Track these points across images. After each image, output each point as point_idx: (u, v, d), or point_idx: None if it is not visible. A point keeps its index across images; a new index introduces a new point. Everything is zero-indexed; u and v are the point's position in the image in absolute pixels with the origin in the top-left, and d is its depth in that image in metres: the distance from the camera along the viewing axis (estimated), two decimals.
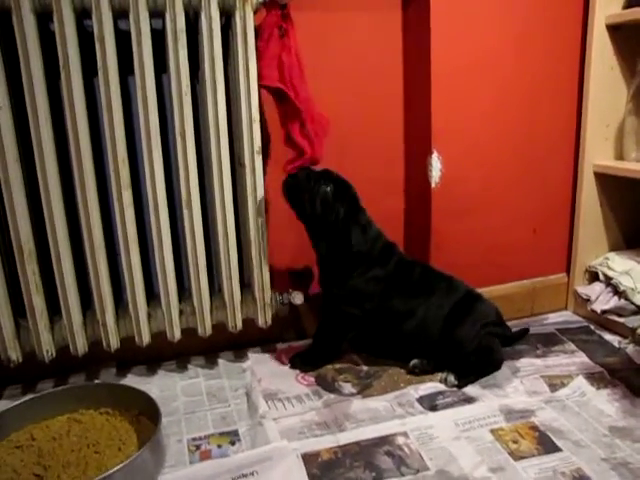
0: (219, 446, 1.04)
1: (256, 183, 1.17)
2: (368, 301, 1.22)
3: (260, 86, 1.15)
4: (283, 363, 1.31)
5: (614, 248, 1.48)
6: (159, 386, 1.23)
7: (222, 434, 1.07)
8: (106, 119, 1.07)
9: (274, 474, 0.95)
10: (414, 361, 1.25)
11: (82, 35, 1.05)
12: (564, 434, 1.03)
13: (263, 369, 1.28)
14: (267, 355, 1.35)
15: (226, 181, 1.15)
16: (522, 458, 0.98)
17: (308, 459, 0.99)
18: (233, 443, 1.04)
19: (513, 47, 1.33)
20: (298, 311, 1.41)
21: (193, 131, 1.12)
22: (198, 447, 1.04)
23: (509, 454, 0.99)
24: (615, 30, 1.33)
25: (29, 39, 1.00)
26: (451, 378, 1.20)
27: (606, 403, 1.11)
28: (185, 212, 1.16)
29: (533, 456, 0.98)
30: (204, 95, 1.12)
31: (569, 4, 1.34)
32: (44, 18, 1.02)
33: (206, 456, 1.01)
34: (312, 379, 1.24)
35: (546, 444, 1.01)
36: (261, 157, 1.16)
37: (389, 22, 1.33)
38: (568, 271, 1.51)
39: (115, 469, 0.86)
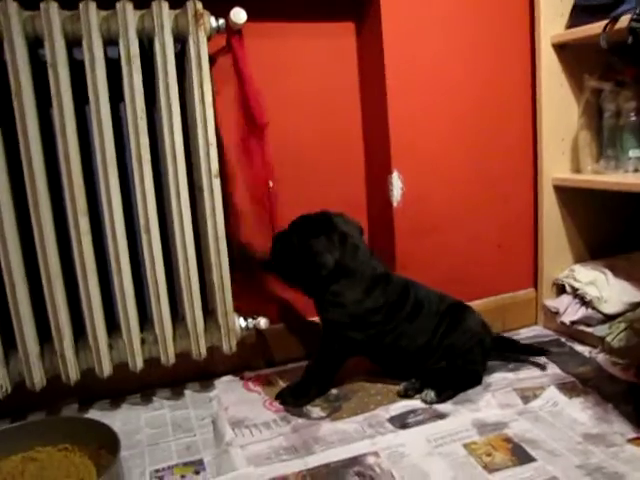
0: (182, 476, 0.99)
1: (215, 207, 1.16)
2: (372, 324, 1.19)
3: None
4: (250, 390, 1.27)
5: (578, 260, 1.49)
6: (122, 419, 1.19)
7: (186, 464, 1.03)
8: (61, 145, 1.07)
9: None
10: (404, 384, 1.21)
11: (38, 64, 1.06)
12: (538, 444, 1.01)
13: (230, 397, 1.25)
14: (234, 384, 1.31)
15: (184, 205, 1.14)
16: (496, 470, 0.95)
17: None
18: (197, 472, 1.00)
19: (465, 67, 1.37)
20: (265, 338, 1.38)
21: (150, 156, 1.12)
22: (161, 478, 0.99)
23: (483, 467, 0.96)
24: (561, 49, 1.38)
25: None
26: (431, 394, 1.17)
27: (579, 412, 1.09)
28: (144, 237, 1.14)
29: (507, 467, 0.96)
30: (160, 120, 1.13)
31: (516, 25, 1.39)
32: None
33: None
34: (280, 405, 1.20)
35: (520, 455, 0.98)
36: (219, 180, 1.16)
37: (344, 47, 1.36)
38: (536, 286, 1.52)
39: None
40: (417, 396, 1.19)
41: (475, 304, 1.42)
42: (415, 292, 1.23)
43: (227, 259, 1.18)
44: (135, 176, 1.12)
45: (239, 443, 1.06)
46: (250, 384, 1.30)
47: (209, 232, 1.17)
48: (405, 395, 1.20)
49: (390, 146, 1.32)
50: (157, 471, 1.01)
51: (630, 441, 0.99)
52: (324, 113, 1.36)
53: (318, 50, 1.34)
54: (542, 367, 1.28)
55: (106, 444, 1.01)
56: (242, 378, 1.33)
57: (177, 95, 1.11)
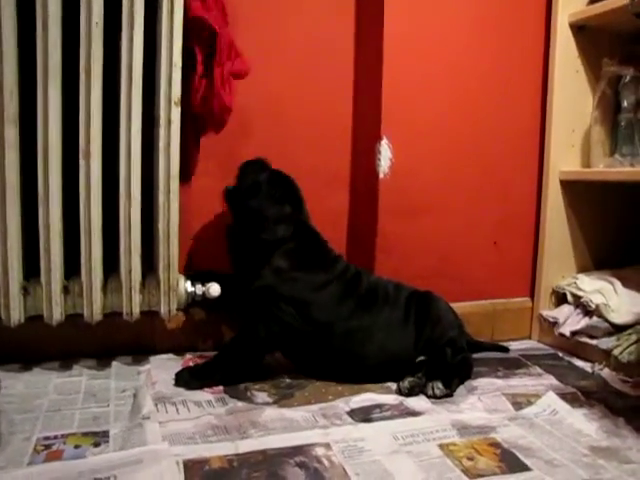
0: (77, 447, 0.78)
1: (170, 138, 0.99)
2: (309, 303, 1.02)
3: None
4: None
5: (582, 269, 1.31)
6: (26, 382, 0.97)
7: (86, 434, 0.81)
8: None
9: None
10: (409, 379, 0.99)
11: None
12: (533, 452, 0.80)
13: (162, 373, 1.03)
14: (172, 362, 1.10)
15: (135, 131, 0.97)
16: (480, 477, 0.74)
17: (191, 466, 0.73)
18: (97, 445, 0.78)
19: (472, 38, 1.24)
20: (217, 317, 1.17)
21: (102, 69, 0.95)
22: (48, 447, 0.77)
23: (463, 471, 0.75)
24: (579, 30, 1.25)
25: None
26: (439, 385, 0.98)
27: (584, 422, 0.89)
28: (82, 164, 0.96)
29: (494, 474, 0.75)
30: (120, 34, 0.97)
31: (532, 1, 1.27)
32: None
33: (55, 457, 0.75)
34: (220, 387, 0.99)
35: (510, 462, 0.78)
36: (179, 110, 0.99)
37: (342, 3, 1.23)
38: (532, 295, 1.33)
39: None
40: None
41: (463, 305, 1.24)
42: (367, 278, 1.08)
43: (177, 203, 1.00)
44: (81, 91, 0.95)
45: (159, 419, 0.85)
46: (190, 363, 1.08)
47: (160, 168, 0.99)
48: (410, 394, 0.98)
49: (381, 108, 1.16)
50: (47, 438, 0.79)
51: None
52: (311, 66, 1.21)
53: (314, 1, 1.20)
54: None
55: None
56: (183, 357, 1.12)
57: (143, 5, 0.96)
